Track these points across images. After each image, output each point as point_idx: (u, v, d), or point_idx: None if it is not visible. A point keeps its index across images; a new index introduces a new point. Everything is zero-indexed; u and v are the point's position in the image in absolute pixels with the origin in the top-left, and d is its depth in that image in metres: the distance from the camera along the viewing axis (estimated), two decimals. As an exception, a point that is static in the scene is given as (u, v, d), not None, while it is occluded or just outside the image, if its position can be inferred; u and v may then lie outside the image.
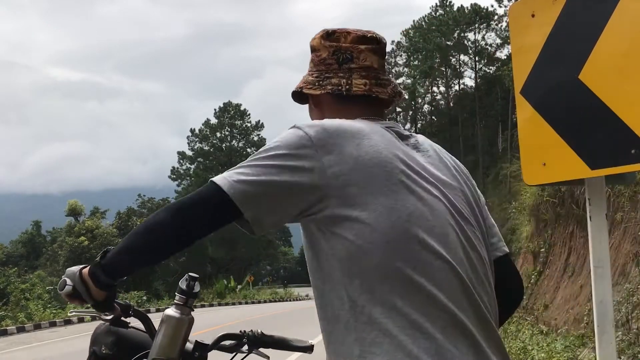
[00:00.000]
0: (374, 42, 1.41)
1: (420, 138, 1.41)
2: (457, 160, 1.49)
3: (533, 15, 2.24)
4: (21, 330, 16.93)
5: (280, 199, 1.21)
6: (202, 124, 67.50)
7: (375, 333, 1.16)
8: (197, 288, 1.51)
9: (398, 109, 69.01)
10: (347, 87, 1.36)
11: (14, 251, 65.61)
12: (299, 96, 1.48)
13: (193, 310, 1.51)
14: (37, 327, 17.72)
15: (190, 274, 1.52)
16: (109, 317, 1.58)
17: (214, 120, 67.16)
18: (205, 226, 1.24)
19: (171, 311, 1.48)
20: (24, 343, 13.64)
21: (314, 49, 1.44)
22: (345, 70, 1.38)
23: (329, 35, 1.42)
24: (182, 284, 1.50)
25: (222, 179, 1.20)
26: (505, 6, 49.88)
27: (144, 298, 26.98)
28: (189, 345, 1.55)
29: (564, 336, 7.89)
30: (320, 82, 1.38)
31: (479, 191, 1.49)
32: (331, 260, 1.22)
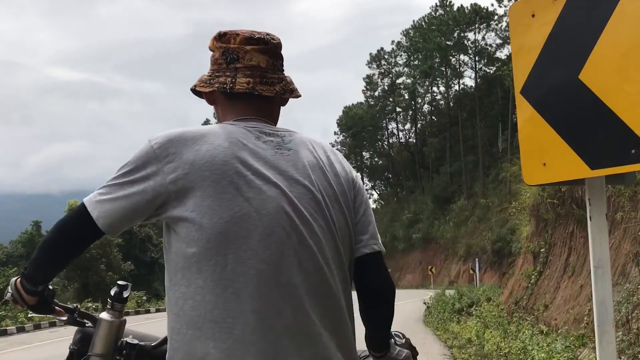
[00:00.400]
0: (262, 43, 1.49)
1: (288, 137, 1.48)
2: (334, 157, 1.53)
3: (533, 15, 2.24)
4: (21, 330, 16.94)
5: (130, 210, 1.36)
6: (202, 124, 67.47)
7: (183, 325, 1.31)
8: (126, 294, 1.73)
9: (398, 109, 69.01)
10: (231, 85, 1.45)
11: (14, 251, 65.64)
12: (197, 93, 1.57)
13: (123, 314, 1.74)
14: (37, 327, 17.73)
15: (119, 282, 1.76)
16: (64, 319, 1.81)
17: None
18: (79, 240, 1.43)
19: (104, 315, 1.73)
20: (24, 343, 13.64)
21: (210, 50, 1.54)
22: (232, 69, 1.47)
23: (220, 37, 1.52)
24: (112, 291, 1.74)
25: (88, 199, 1.38)
26: (505, 6, 49.89)
27: (144, 298, 26.97)
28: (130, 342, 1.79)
29: (564, 336, 7.89)
30: (211, 81, 1.49)
31: (355, 188, 1.56)
32: (170, 254, 1.37)
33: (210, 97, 1.55)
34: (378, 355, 1.60)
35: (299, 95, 1.56)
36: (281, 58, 1.54)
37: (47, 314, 1.74)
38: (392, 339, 1.64)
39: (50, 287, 1.68)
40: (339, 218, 1.45)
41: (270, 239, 1.33)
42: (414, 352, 1.68)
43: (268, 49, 1.50)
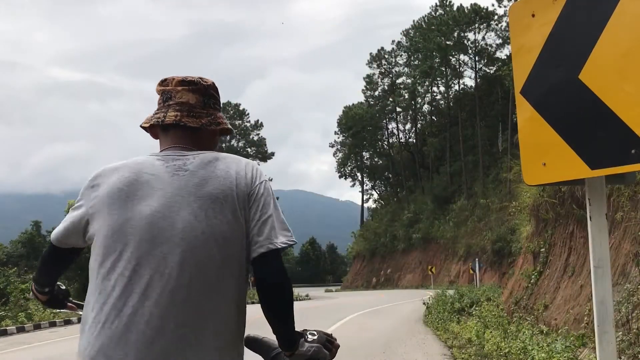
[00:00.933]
0: (192, 84, 1.79)
1: (192, 159, 1.70)
2: (235, 170, 1.69)
3: (533, 15, 2.24)
4: (21, 330, 16.93)
5: (70, 228, 1.75)
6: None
7: (85, 323, 1.62)
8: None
9: (398, 109, 68.99)
10: (163, 118, 1.75)
11: (14, 251, 65.62)
12: (145, 129, 1.87)
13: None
14: (37, 327, 17.72)
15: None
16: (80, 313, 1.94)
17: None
18: (53, 255, 1.89)
19: None
20: (24, 343, 13.63)
21: (157, 93, 1.85)
22: (166, 106, 1.78)
23: (161, 82, 1.83)
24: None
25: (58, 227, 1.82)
26: (505, 6, 49.87)
27: (144, 298, 26.97)
28: None
29: (564, 336, 7.88)
30: (151, 118, 1.80)
31: (252, 196, 1.68)
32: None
33: (153, 132, 1.84)
34: (287, 353, 1.68)
35: (229, 129, 1.84)
36: (213, 97, 1.83)
37: (60, 309, 2.08)
38: (303, 337, 1.68)
39: (63, 287, 2.07)
40: (223, 226, 1.62)
41: (142, 250, 1.59)
42: (332, 345, 1.71)
43: (198, 88, 1.80)
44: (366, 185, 77.46)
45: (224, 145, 66.32)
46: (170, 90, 1.79)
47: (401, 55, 67.77)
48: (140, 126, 1.84)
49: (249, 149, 67.68)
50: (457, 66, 58.47)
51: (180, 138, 1.76)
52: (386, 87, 68.84)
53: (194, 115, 1.75)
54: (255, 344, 1.78)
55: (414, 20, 62.95)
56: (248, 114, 68.12)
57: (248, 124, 67.82)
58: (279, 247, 1.63)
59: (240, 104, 68.47)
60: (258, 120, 68.43)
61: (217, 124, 1.79)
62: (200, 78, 1.82)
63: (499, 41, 55.41)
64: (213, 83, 1.84)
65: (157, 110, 1.79)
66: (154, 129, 1.82)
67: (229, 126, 1.86)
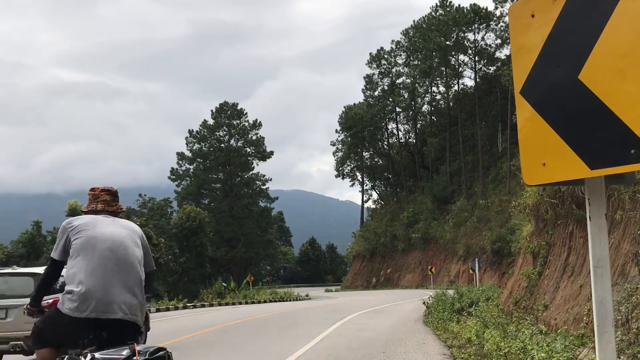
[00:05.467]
0: (109, 191, 3.97)
1: (118, 219, 3.88)
2: (133, 228, 3.90)
3: (533, 16, 2.24)
4: (21, 330, 16.91)
5: (62, 247, 3.69)
6: (200, 125, 67.24)
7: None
8: None
9: (398, 109, 69.02)
10: (95, 208, 3.89)
11: (14, 251, 65.59)
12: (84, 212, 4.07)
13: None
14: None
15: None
16: None
17: (211, 121, 66.96)
18: (51, 268, 3.79)
19: None
20: (24, 343, 13.62)
21: (88, 194, 4.01)
22: (95, 202, 3.92)
23: (92, 189, 4.01)
24: None
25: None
26: (504, 6, 49.85)
27: (144, 298, 26.93)
28: None
29: (563, 336, 7.89)
30: (87, 207, 3.96)
31: (142, 238, 3.90)
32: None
33: (87, 213, 3.89)
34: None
35: (123, 210, 4.02)
36: (117, 196, 4.00)
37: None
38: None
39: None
40: (137, 250, 3.76)
41: (102, 264, 3.55)
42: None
43: (110, 192, 3.97)
44: (366, 185, 77.54)
45: (222, 145, 66.26)
46: (98, 193, 3.96)
47: (401, 55, 67.79)
48: (82, 210, 4.01)
49: (247, 149, 67.60)
50: (457, 66, 58.46)
51: (106, 214, 3.93)
52: (386, 87, 68.80)
53: (110, 205, 3.94)
54: None
55: (414, 21, 62.94)
56: (246, 113, 68.00)
57: (246, 124, 67.64)
58: (154, 268, 4.04)
59: (237, 104, 68.30)
60: (257, 120, 68.29)
61: (119, 208, 3.99)
62: (111, 188, 4.02)
63: (498, 41, 55.44)
64: (116, 190, 4.06)
65: (90, 203, 3.94)
66: (88, 212, 3.90)
67: (124, 209, 4.12)
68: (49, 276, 3.68)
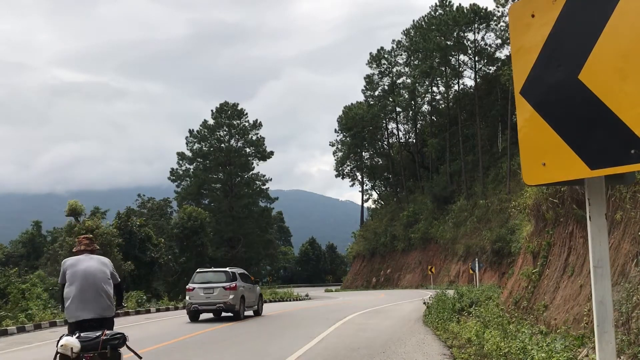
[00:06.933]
0: (86, 237, 6.86)
1: (95, 255, 6.68)
2: (102, 259, 6.69)
3: (533, 16, 2.24)
4: (21, 330, 16.94)
5: (63, 279, 6.51)
6: (200, 125, 67.21)
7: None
8: None
9: (398, 109, 69.03)
10: (79, 249, 6.65)
11: (14, 251, 65.57)
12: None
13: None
14: (37, 327, 17.73)
15: None
16: None
17: (211, 121, 66.94)
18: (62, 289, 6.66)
19: None
20: (24, 343, 13.64)
21: (77, 239, 7.14)
22: (79, 245, 6.69)
23: (77, 237, 9.58)
24: None
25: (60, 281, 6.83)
26: (504, 6, 49.83)
27: (144, 297, 26.95)
28: None
29: (563, 336, 7.89)
30: (73, 252, 6.73)
31: (108, 265, 6.63)
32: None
33: (74, 254, 6.65)
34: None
35: (97, 248, 6.90)
36: (92, 239, 6.83)
37: None
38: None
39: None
40: (105, 274, 6.47)
41: (85, 292, 6.28)
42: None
43: (88, 238, 6.84)
44: (366, 185, 77.53)
45: (222, 145, 66.26)
46: (80, 240, 6.71)
47: (401, 55, 67.77)
48: (72, 251, 6.81)
49: (247, 149, 67.58)
50: (457, 66, 58.43)
51: (88, 253, 6.63)
52: (386, 87, 68.79)
53: (88, 246, 6.61)
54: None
55: (414, 20, 62.95)
56: (246, 113, 67.97)
57: (247, 124, 67.61)
58: (119, 281, 6.80)
59: (238, 104, 68.27)
60: (257, 120, 68.25)
61: (94, 248, 6.69)
62: (87, 234, 7.87)
63: (498, 41, 55.42)
64: (92, 236, 7.52)
65: (77, 246, 6.66)
66: (77, 252, 6.58)
67: (98, 247, 7.19)
68: (63, 291, 6.49)
